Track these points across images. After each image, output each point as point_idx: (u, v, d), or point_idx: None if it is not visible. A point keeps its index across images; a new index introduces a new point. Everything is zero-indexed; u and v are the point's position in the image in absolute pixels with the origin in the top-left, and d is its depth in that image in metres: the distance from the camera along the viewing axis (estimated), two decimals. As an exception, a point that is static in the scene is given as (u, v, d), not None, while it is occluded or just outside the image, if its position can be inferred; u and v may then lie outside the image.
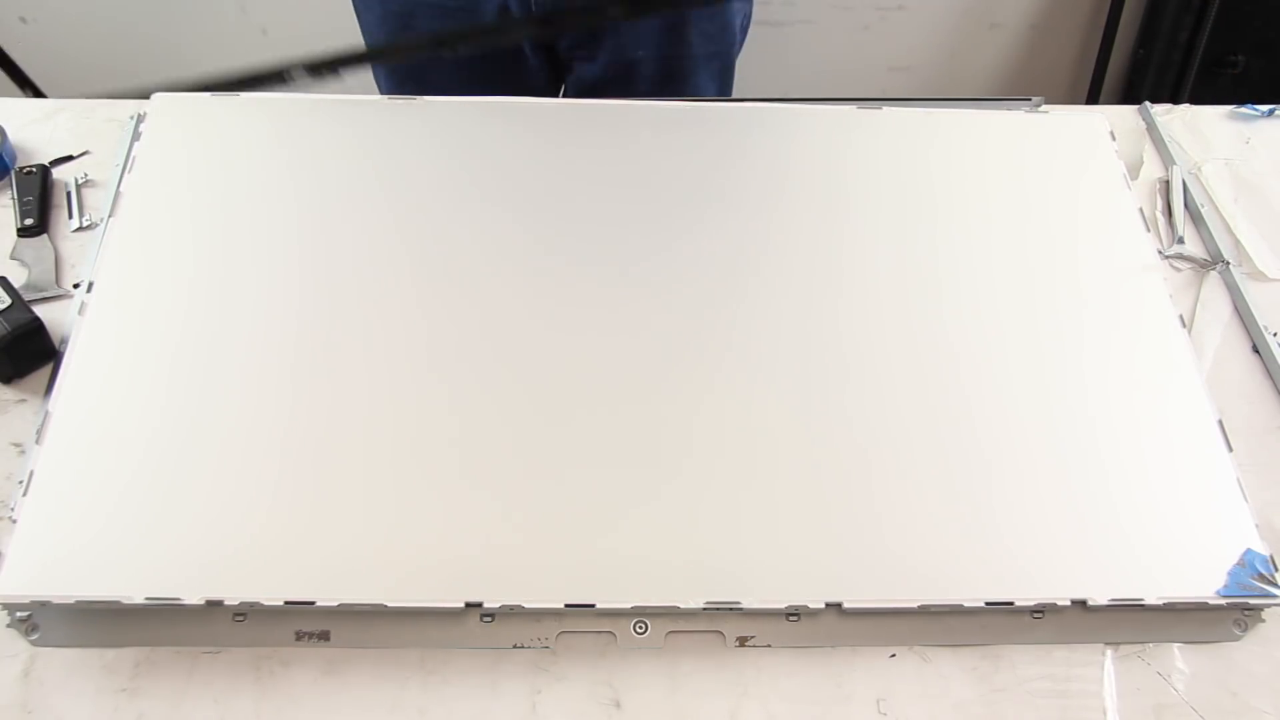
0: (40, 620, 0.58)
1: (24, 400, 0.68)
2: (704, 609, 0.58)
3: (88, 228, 0.77)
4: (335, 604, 0.56)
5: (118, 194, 0.72)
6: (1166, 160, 0.86)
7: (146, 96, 0.78)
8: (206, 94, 0.79)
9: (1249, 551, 0.60)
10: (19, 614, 0.58)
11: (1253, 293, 0.76)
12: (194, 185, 0.73)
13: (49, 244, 0.76)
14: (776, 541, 0.59)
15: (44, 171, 0.80)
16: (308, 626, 0.59)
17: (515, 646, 0.59)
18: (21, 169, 0.80)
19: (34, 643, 0.58)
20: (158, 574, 0.56)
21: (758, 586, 0.58)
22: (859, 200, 0.75)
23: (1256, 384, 0.72)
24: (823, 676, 0.59)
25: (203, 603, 0.56)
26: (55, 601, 0.56)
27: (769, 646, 0.60)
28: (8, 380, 0.69)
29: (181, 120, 0.77)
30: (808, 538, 0.59)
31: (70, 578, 0.56)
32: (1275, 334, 0.73)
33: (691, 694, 0.58)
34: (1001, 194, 0.76)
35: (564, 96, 0.93)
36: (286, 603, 0.56)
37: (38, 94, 1.36)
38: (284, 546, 0.58)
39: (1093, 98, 1.79)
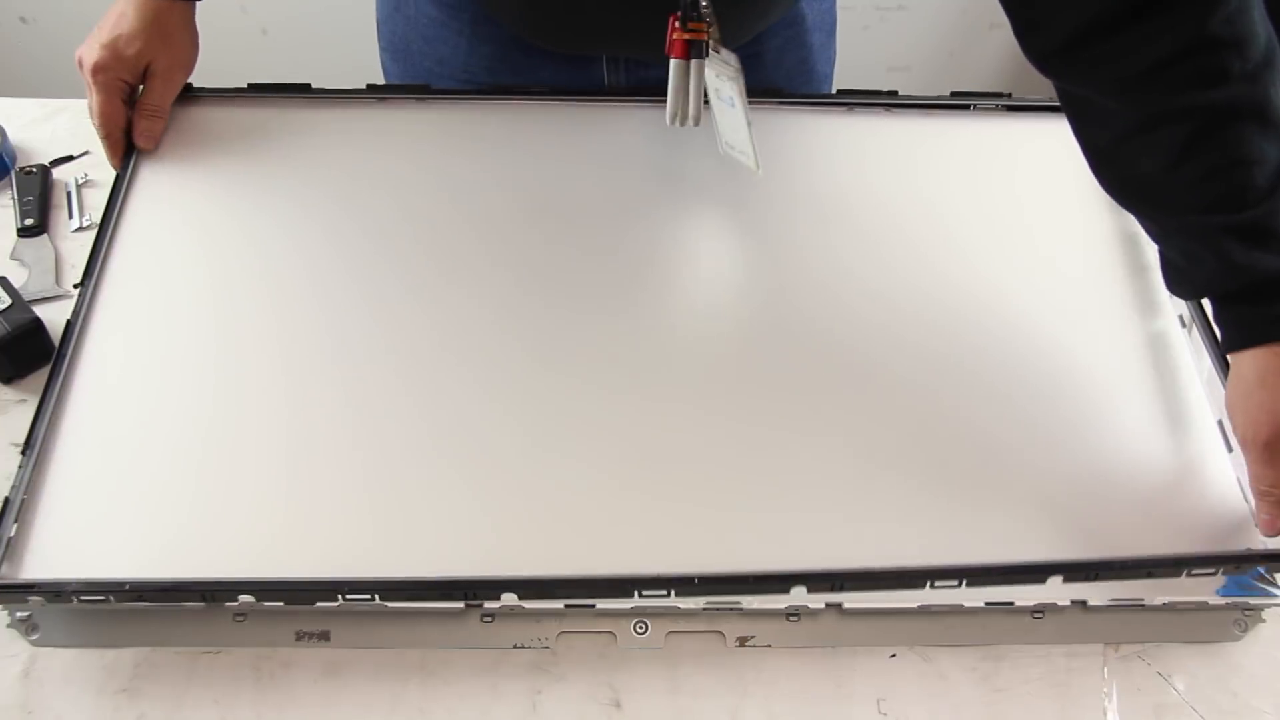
0: (40, 620, 0.58)
1: (24, 400, 0.68)
2: (704, 609, 0.58)
3: (88, 228, 0.77)
4: (335, 604, 0.56)
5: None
6: (1166, 160, 0.86)
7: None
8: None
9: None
10: (19, 614, 0.58)
11: (1253, 293, 0.76)
12: (194, 185, 0.73)
13: (49, 244, 0.76)
14: (777, 541, 0.59)
15: (44, 171, 0.80)
16: (308, 626, 0.59)
17: (515, 646, 0.59)
18: (21, 169, 0.80)
19: (34, 643, 0.58)
20: (158, 574, 0.56)
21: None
22: (857, 200, 0.75)
23: (1256, 384, 0.72)
24: (823, 676, 0.59)
25: (203, 603, 0.56)
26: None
27: (769, 646, 0.60)
28: (8, 380, 0.69)
29: (181, 121, 0.77)
30: (808, 538, 0.59)
31: (70, 577, 0.56)
32: (1275, 334, 0.73)
33: (691, 694, 0.58)
34: (1001, 194, 0.76)
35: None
36: (286, 603, 0.56)
37: None
38: (284, 547, 0.58)
39: (1092, 98, 1.78)
